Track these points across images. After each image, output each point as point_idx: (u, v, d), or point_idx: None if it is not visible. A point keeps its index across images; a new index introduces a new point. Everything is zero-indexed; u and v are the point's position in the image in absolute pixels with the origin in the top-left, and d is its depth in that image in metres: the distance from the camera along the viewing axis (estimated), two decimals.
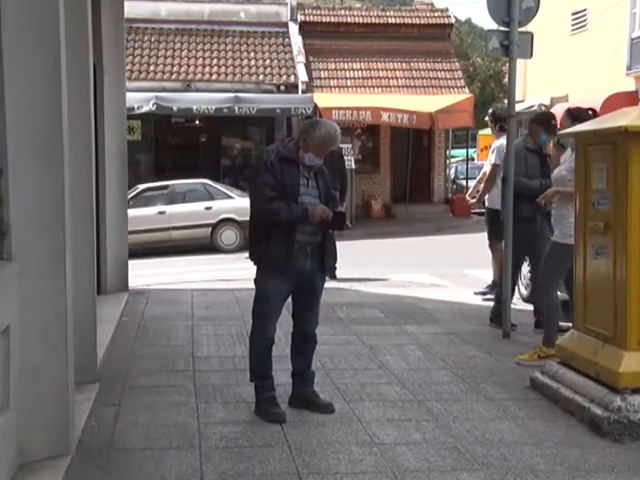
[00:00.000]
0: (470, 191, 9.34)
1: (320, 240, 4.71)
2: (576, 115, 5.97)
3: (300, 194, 4.63)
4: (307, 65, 20.14)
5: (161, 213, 15.29)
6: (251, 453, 4.14)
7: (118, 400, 4.99)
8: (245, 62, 20.00)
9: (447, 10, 23.02)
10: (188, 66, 19.70)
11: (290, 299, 4.84)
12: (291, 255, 4.56)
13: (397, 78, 20.75)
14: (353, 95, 19.73)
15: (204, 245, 15.12)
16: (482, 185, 8.65)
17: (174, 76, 19.36)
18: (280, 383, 4.90)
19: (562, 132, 5.88)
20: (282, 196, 4.55)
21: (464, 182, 22.79)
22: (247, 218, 4.80)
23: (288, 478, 3.86)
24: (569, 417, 4.76)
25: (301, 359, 4.92)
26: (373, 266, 11.43)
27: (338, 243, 5.37)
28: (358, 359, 6.05)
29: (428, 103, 18.76)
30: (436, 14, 22.64)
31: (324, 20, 21.67)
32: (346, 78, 20.58)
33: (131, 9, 14.66)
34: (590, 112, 6.12)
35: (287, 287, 4.69)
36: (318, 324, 4.96)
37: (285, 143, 4.81)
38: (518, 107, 13.81)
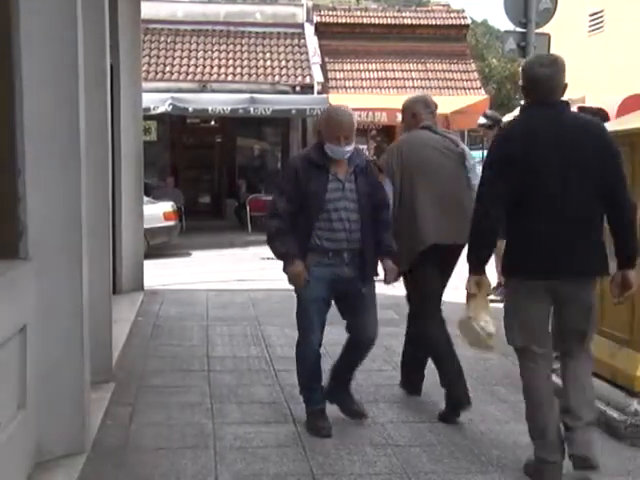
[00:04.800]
0: None
1: (360, 247, 4.40)
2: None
3: (328, 200, 4.29)
4: (323, 66, 20.13)
5: None
6: (265, 454, 4.14)
7: (133, 399, 5.01)
8: (261, 63, 20.03)
9: (463, 11, 22.95)
10: (204, 67, 19.75)
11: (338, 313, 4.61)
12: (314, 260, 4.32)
13: (413, 79, 20.72)
14: (368, 96, 19.71)
15: None
16: None
17: (190, 77, 19.41)
18: None
19: None
20: (305, 206, 4.29)
21: None
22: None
23: (303, 479, 3.86)
24: None
25: (349, 367, 4.66)
26: None
27: None
28: (372, 360, 6.03)
29: (444, 104, 18.58)
30: (452, 15, 22.58)
31: (340, 21, 21.65)
32: (362, 79, 20.56)
33: (148, 10, 14.69)
34: (598, 111, 6.17)
35: (326, 294, 4.42)
36: (376, 334, 4.56)
37: (316, 146, 4.49)
38: None
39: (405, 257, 4.74)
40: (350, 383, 4.72)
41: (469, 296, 3.89)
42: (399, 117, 21.38)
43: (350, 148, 4.35)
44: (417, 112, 5.05)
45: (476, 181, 4.42)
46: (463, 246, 4.58)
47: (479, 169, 4.27)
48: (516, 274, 3.84)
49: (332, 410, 4.63)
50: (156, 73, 19.18)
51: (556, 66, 3.87)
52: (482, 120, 7.95)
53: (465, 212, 4.50)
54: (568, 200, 3.65)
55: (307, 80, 19.59)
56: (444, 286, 5.02)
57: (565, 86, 3.84)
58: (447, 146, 5.01)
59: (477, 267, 3.83)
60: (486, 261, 3.86)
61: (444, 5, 23.90)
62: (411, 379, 5.25)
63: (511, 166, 3.70)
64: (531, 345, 3.84)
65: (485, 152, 8.71)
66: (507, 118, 8.81)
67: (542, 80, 3.79)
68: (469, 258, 3.87)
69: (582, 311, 3.82)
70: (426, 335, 4.96)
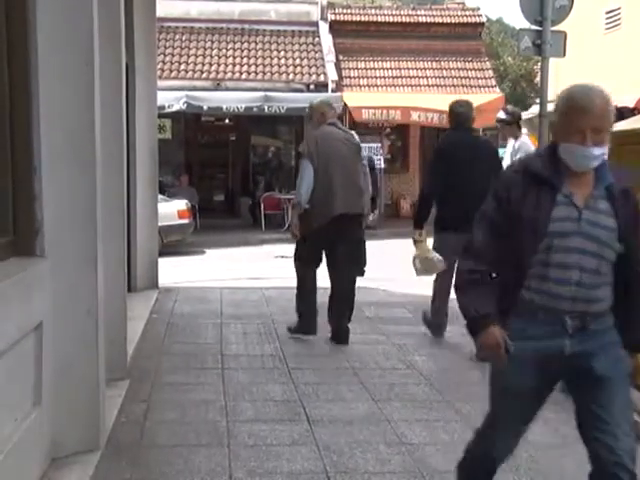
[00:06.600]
0: None
1: (598, 311, 2.82)
2: (620, 114, 5.96)
3: (552, 234, 2.76)
4: (337, 64, 20.10)
5: None
6: (279, 451, 4.15)
7: (148, 397, 5.04)
8: (275, 61, 20.03)
9: (478, 9, 22.84)
10: (218, 65, 19.77)
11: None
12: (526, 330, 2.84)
13: (427, 77, 20.65)
14: (383, 94, 19.67)
15: None
16: None
17: (204, 75, 19.43)
18: None
19: None
20: (516, 239, 2.81)
21: None
22: None
23: (316, 477, 3.86)
24: None
25: None
26: (402, 265, 11.37)
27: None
28: (386, 359, 6.04)
29: None
30: (467, 13, 22.48)
31: (354, 19, 21.60)
32: (376, 77, 20.51)
33: (162, 8, 14.72)
34: (636, 111, 6.17)
35: (536, 382, 2.89)
36: (634, 457, 2.82)
37: (541, 152, 3.11)
38: (550, 107, 13.64)
39: (316, 221, 6.22)
40: None
41: (416, 241, 6.30)
42: (413, 115, 21.32)
43: (601, 152, 2.79)
44: (325, 112, 6.41)
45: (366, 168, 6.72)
46: (359, 214, 6.43)
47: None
48: (441, 228, 6.21)
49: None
50: (171, 71, 19.22)
51: (469, 106, 6.37)
52: (502, 115, 7.77)
53: (360, 190, 6.43)
54: (474, 182, 5.57)
55: (321, 78, 19.58)
56: (347, 247, 6.38)
57: (473, 118, 6.43)
58: (348, 138, 6.49)
59: (420, 224, 6.32)
60: (425, 220, 6.31)
61: (459, 3, 23.74)
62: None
63: (444, 162, 6.19)
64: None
65: (501, 149, 8.73)
66: (525, 116, 8.77)
67: (462, 115, 6.33)
68: (415, 219, 6.35)
69: None
70: (304, 276, 6.39)
